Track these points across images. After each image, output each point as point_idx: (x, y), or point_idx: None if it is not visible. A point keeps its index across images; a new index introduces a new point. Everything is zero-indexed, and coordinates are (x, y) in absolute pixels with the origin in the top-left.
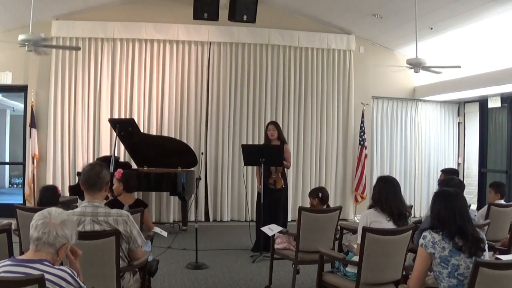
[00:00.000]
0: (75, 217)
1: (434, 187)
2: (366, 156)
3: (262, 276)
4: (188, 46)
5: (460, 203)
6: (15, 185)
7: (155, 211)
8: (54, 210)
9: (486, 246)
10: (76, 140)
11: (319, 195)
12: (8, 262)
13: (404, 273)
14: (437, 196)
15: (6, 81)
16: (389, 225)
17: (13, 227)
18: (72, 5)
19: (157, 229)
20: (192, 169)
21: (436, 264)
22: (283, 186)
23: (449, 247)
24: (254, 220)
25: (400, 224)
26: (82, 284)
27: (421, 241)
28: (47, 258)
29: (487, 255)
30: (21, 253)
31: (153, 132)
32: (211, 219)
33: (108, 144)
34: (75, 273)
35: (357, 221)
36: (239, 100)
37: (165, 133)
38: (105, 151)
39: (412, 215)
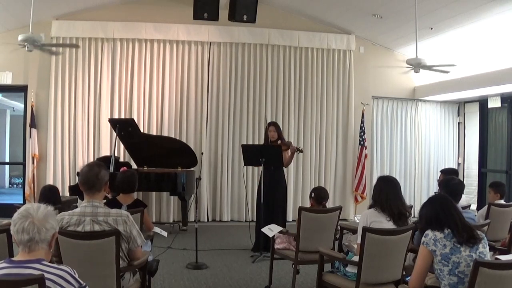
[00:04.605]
0: (51, 208)
1: (434, 187)
2: (366, 156)
3: (262, 276)
4: (188, 46)
5: (444, 202)
6: (15, 185)
7: (155, 211)
8: (31, 209)
9: (486, 240)
10: (76, 140)
11: (312, 195)
12: (5, 265)
13: (404, 273)
14: (422, 206)
15: (6, 81)
16: (389, 225)
17: None
18: (72, 5)
19: (157, 229)
20: (192, 169)
21: (437, 262)
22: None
23: (450, 245)
24: (254, 220)
25: (400, 224)
26: (82, 283)
27: (423, 239)
28: (42, 255)
29: (488, 255)
30: None
31: (153, 132)
32: (210, 219)
33: (108, 144)
34: (75, 272)
35: (357, 221)
36: (239, 100)
37: (165, 133)
38: (105, 151)
39: (412, 215)
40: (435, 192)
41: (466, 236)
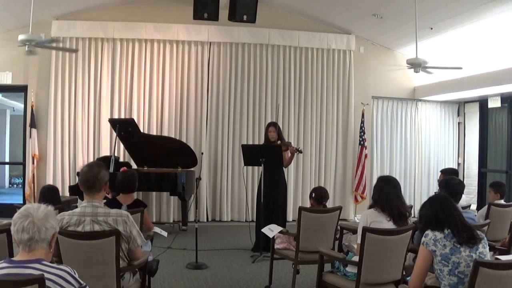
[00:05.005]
0: (52, 209)
1: (434, 187)
2: (366, 156)
3: (262, 276)
4: (188, 46)
5: (444, 202)
6: (15, 185)
7: (155, 211)
8: (31, 209)
9: (486, 241)
10: (76, 140)
11: (312, 195)
12: (5, 264)
13: (404, 273)
14: (422, 206)
15: (6, 81)
16: (389, 225)
17: None
18: (72, 5)
19: (157, 229)
20: (192, 169)
21: (437, 262)
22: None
23: (450, 245)
24: (254, 220)
25: (400, 224)
26: (82, 283)
27: (423, 239)
28: (42, 255)
29: (488, 255)
30: None
31: (153, 132)
32: (210, 219)
33: (108, 144)
34: (75, 272)
35: (357, 221)
36: (239, 100)
37: (165, 133)
38: (105, 151)
39: (412, 215)
40: (435, 192)
41: (466, 236)
